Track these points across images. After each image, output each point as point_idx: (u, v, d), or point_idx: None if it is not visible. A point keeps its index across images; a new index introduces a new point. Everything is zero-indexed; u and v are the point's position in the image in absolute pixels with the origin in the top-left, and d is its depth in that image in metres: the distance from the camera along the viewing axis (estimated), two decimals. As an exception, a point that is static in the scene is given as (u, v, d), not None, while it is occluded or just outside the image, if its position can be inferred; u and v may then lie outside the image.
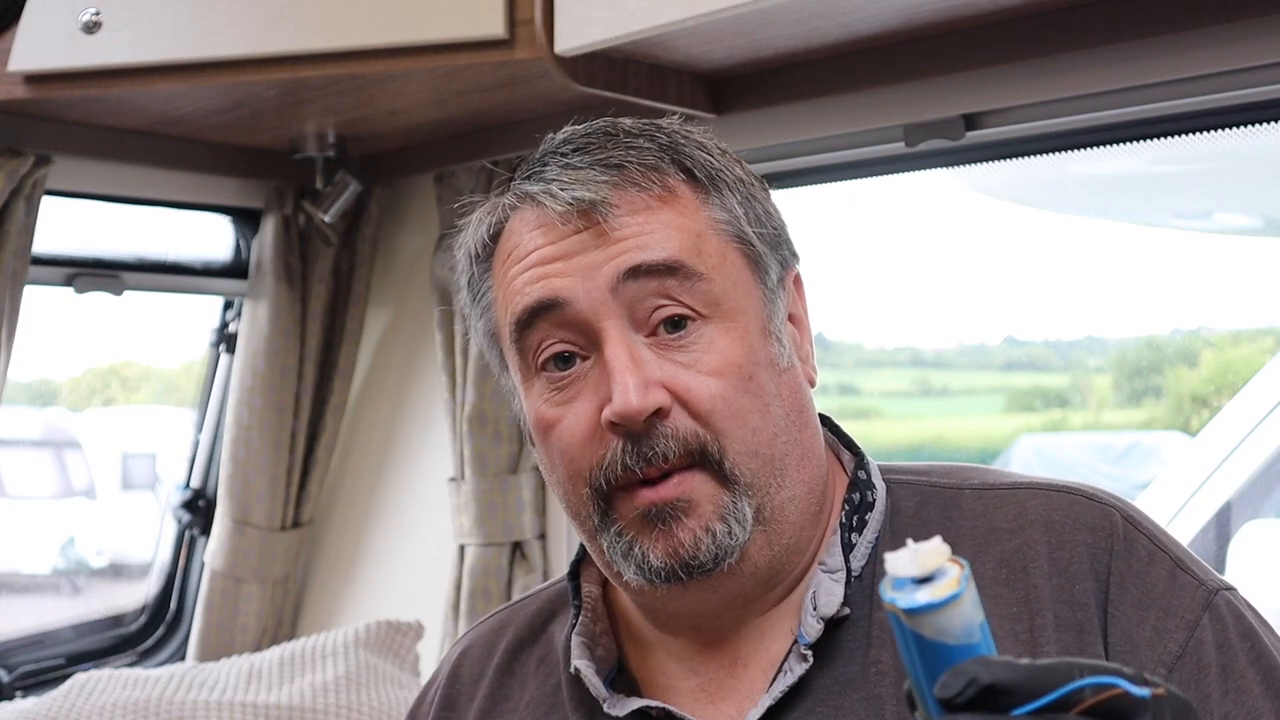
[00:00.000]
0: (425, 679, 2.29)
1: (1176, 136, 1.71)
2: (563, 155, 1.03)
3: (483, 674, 1.19)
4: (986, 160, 1.91)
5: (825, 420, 1.13)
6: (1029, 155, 1.85)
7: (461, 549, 2.33)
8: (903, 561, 0.68)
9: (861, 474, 1.09)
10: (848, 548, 1.04)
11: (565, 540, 2.34)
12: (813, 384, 1.09)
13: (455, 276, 1.14)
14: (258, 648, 2.50)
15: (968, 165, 1.95)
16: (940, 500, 1.07)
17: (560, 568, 2.31)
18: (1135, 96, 1.65)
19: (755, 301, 1.04)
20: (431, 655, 2.39)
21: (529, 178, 1.04)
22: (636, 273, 0.99)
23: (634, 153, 1.02)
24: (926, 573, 0.67)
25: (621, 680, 1.09)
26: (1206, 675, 0.94)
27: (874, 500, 1.07)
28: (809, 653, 0.99)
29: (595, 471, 1.00)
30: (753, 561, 1.01)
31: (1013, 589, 0.99)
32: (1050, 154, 1.83)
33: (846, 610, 1.01)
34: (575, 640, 1.09)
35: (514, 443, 2.31)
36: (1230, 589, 0.99)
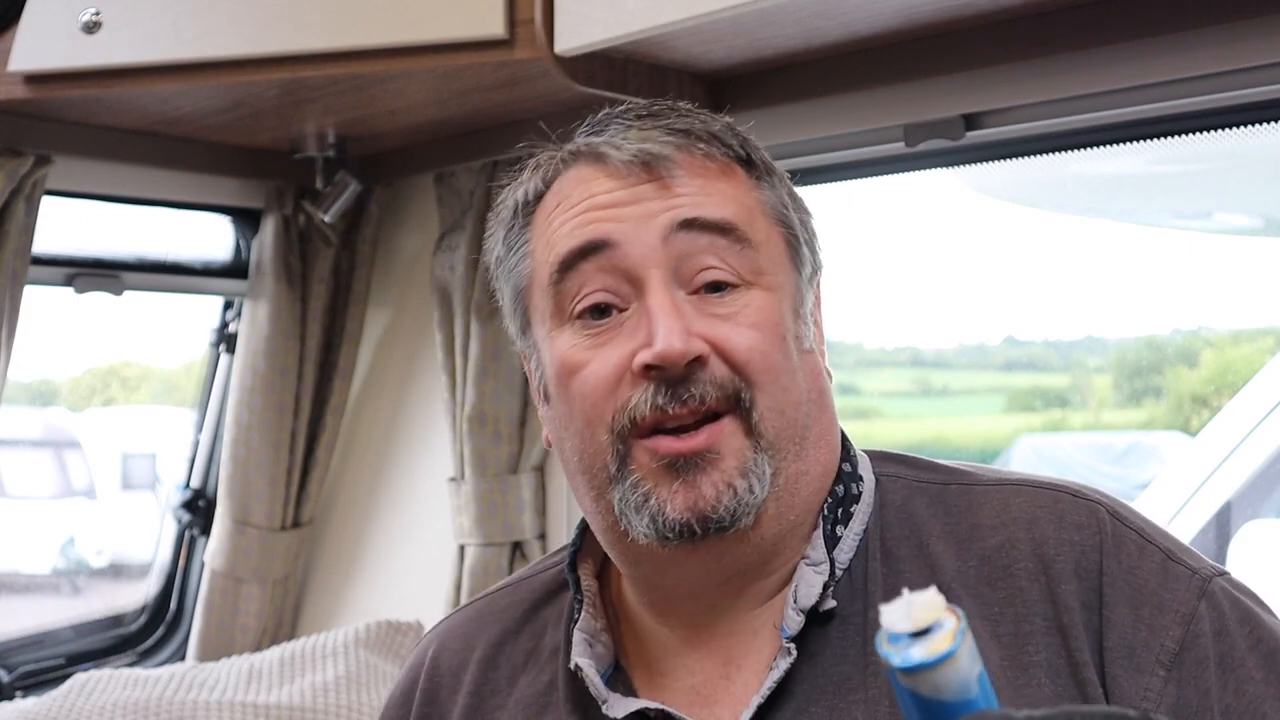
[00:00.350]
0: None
1: (1176, 136, 1.71)
2: (626, 119, 1.05)
3: (464, 665, 1.17)
4: (986, 160, 1.91)
5: None
6: (1029, 155, 1.85)
7: (461, 549, 2.34)
8: (896, 616, 0.67)
9: (846, 466, 1.08)
10: (831, 541, 1.03)
11: (565, 540, 2.33)
12: (830, 378, 1.10)
13: (489, 233, 1.13)
14: (258, 648, 2.50)
15: (968, 165, 1.95)
16: (927, 495, 1.07)
17: (560, 568, 2.31)
18: (1135, 96, 1.65)
19: (791, 283, 1.05)
20: (431, 655, 2.39)
21: (591, 134, 1.05)
22: (692, 225, 1.00)
23: (700, 123, 1.05)
24: (921, 627, 0.66)
25: (618, 678, 1.08)
26: (1205, 669, 0.93)
27: (859, 493, 1.07)
28: (791, 646, 0.99)
29: (618, 415, 0.99)
30: (761, 530, 1.00)
31: (994, 588, 0.99)
32: (1050, 154, 1.83)
33: (833, 603, 1.01)
34: (577, 636, 1.07)
35: (514, 443, 2.31)
36: (1224, 573, 0.99)
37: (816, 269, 1.10)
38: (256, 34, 1.78)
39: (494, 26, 1.70)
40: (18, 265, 2.06)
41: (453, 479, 2.35)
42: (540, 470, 2.33)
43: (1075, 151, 1.82)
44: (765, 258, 1.03)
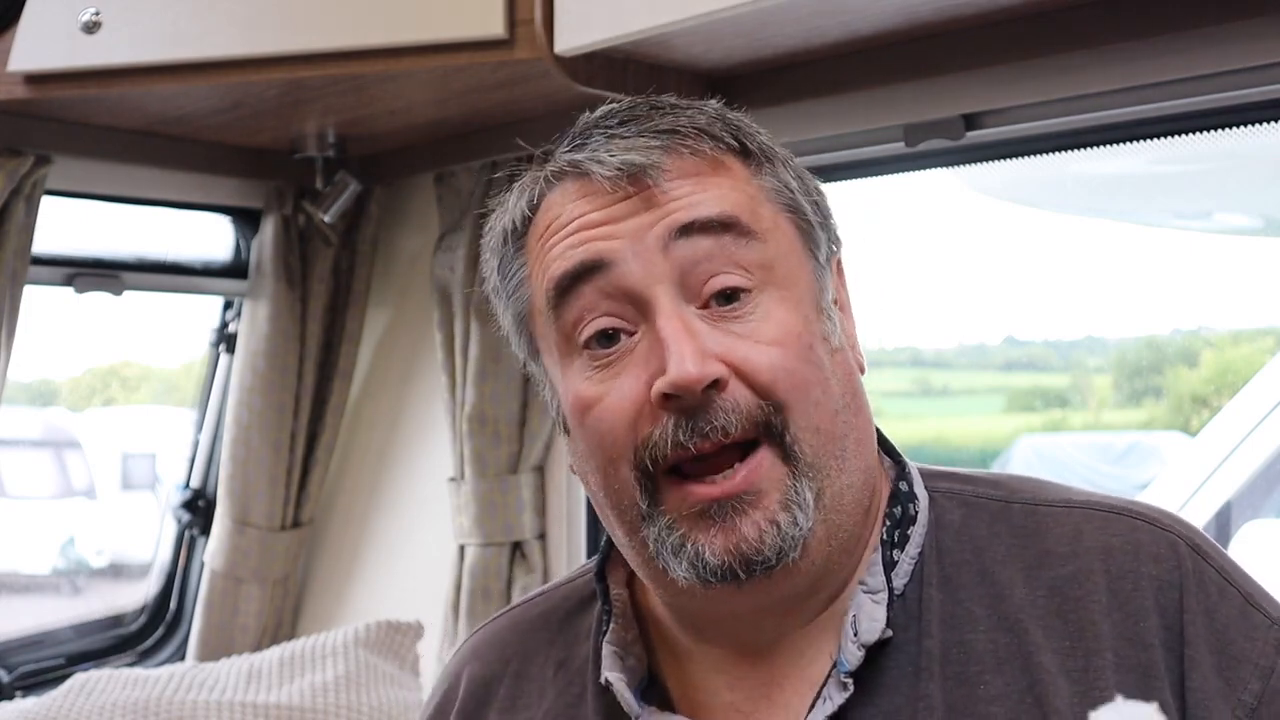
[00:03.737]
0: (425, 679, 2.31)
1: (1176, 136, 1.71)
2: (607, 127, 0.98)
3: (498, 678, 1.13)
4: (986, 160, 1.91)
5: None
6: (1029, 155, 1.85)
7: (461, 549, 2.33)
8: None
9: (903, 485, 1.02)
10: (889, 566, 0.98)
11: (565, 540, 2.34)
12: (862, 370, 1.03)
13: (484, 260, 1.07)
14: (258, 648, 2.50)
15: (968, 165, 1.95)
16: (987, 514, 1.00)
17: (560, 568, 2.31)
18: (1135, 96, 1.65)
19: (807, 274, 0.99)
20: (432, 655, 2.39)
21: (572, 149, 0.98)
22: (689, 230, 0.93)
23: (685, 119, 0.98)
24: None
25: (653, 692, 1.02)
26: None
27: (916, 514, 1.01)
28: (849, 681, 0.93)
29: (640, 451, 0.92)
30: (811, 558, 0.93)
31: (1065, 620, 0.93)
32: (1050, 154, 1.83)
33: (889, 633, 0.95)
34: (607, 649, 1.02)
35: (514, 443, 2.31)
36: None
37: (834, 249, 1.04)
38: (256, 34, 1.78)
39: (494, 26, 1.70)
40: (18, 265, 2.06)
41: (453, 479, 2.34)
42: (540, 470, 2.33)
43: (1075, 151, 1.81)
44: (775, 249, 0.96)
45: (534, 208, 1.00)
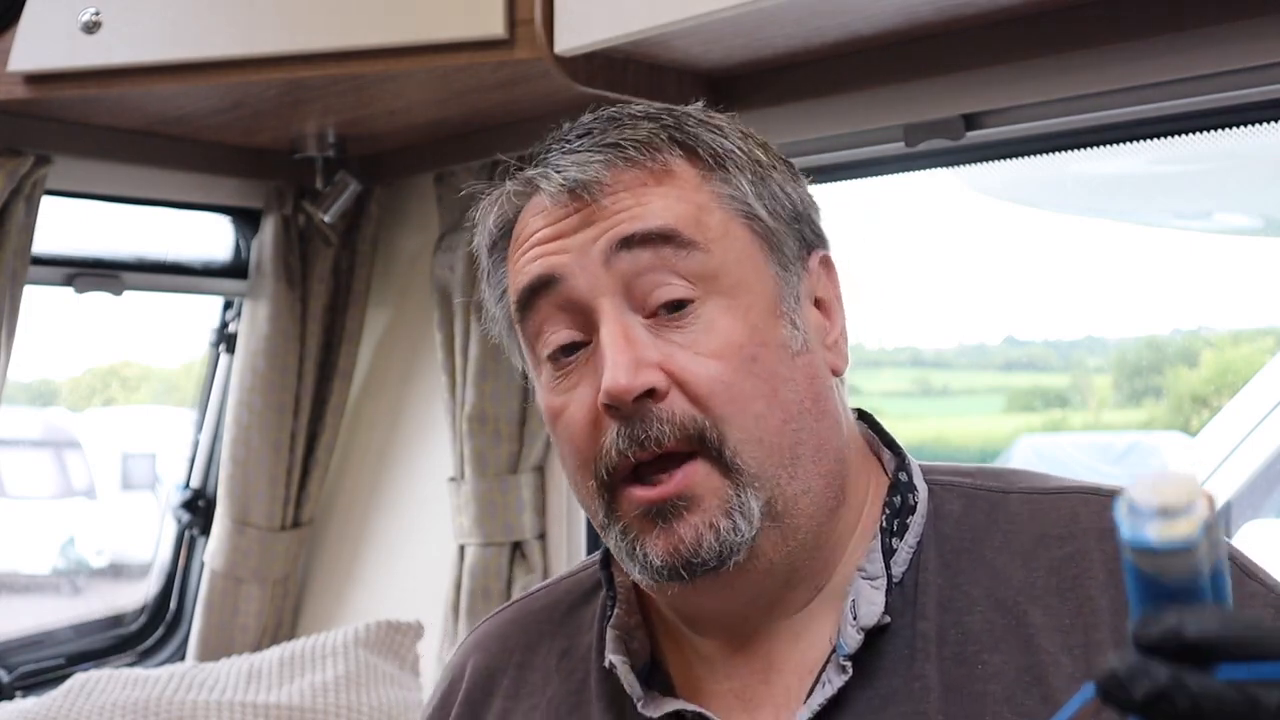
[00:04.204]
0: (425, 679, 2.31)
1: (1176, 136, 1.71)
2: (566, 141, 1.01)
3: (501, 668, 1.15)
4: (986, 160, 1.91)
5: (865, 416, 1.09)
6: (1029, 155, 1.85)
7: (461, 549, 2.33)
8: (1144, 487, 0.61)
9: (902, 475, 1.04)
10: (888, 553, 0.99)
11: (565, 540, 2.34)
12: (837, 372, 1.03)
13: (478, 271, 1.10)
14: (258, 648, 2.50)
15: (968, 165, 1.95)
16: (986, 504, 1.02)
17: (559, 568, 2.31)
18: (1135, 96, 1.65)
19: (764, 280, 0.99)
20: (432, 655, 2.39)
21: (535, 164, 1.02)
22: (630, 243, 0.95)
23: (631, 132, 0.99)
24: (1166, 505, 0.60)
25: (656, 677, 1.04)
26: None
27: (915, 503, 1.02)
28: (848, 664, 0.95)
29: (597, 462, 0.96)
30: (767, 559, 0.95)
31: (1064, 599, 0.94)
32: (1050, 154, 1.83)
33: (888, 619, 0.96)
34: (611, 634, 1.04)
35: (514, 443, 2.31)
36: None
37: (812, 247, 1.04)
38: (256, 34, 1.78)
39: (494, 26, 1.70)
40: (18, 265, 2.06)
41: (453, 479, 2.34)
42: (540, 470, 2.33)
43: (1075, 151, 1.81)
44: (721, 257, 0.96)
45: (507, 221, 1.04)
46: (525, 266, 1.00)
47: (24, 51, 1.84)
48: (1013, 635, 0.94)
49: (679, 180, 0.99)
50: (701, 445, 0.93)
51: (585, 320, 0.97)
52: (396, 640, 2.30)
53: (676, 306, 0.95)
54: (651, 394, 0.93)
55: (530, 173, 1.01)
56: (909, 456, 1.07)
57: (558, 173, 0.98)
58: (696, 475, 0.93)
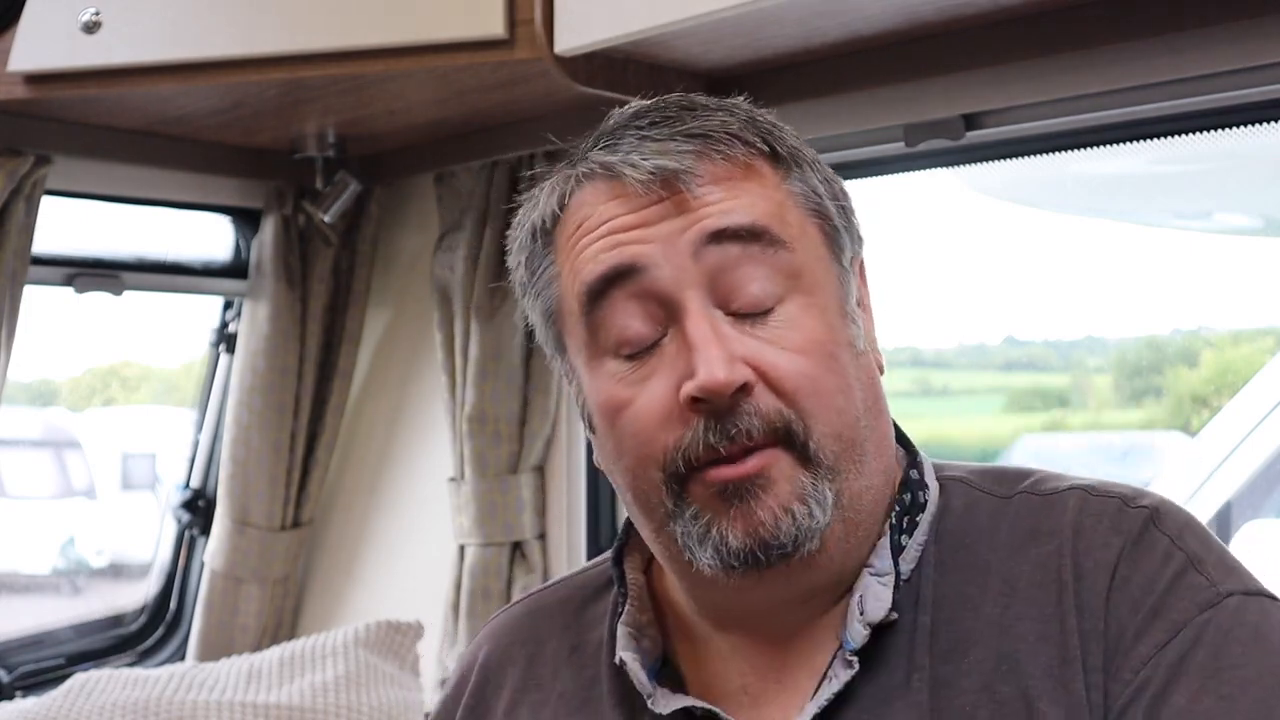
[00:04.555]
0: (425, 679, 2.31)
1: (1176, 136, 1.71)
2: (639, 128, 0.99)
3: (511, 661, 1.15)
4: (986, 160, 1.91)
5: None
6: (1029, 155, 1.85)
7: (461, 549, 2.33)
8: None
9: (914, 473, 1.05)
10: (896, 550, 1.00)
11: (565, 540, 2.34)
12: (881, 371, 1.05)
13: (510, 255, 1.07)
14: (258, 648, 2.50)
15: (968, 165, 1.95)
16: (990, 504, 1.03)
17: (560, 568, 2.31)
18: (1135, 96, 1.65)
19: (833, 279, 1.00)
20: (432, 655, 2.39)
21: (604, 149, 0.99)
22: (721, 237, 0.95)
23: (717, 123, 0.99)
24: None
25: (666, 674, 1.05)
26: (1176, 679, 0.86)
27: (925, 501, 1.03)
28: (854, 659, 0.95)
29: (671, 453, 0.94)
30: (829, 553, 0.96)
31: (1046, 592, 0.95)
32: (1050, 154, 1.83)
33: (894, 615, 0.97)
34: (622, 630, 1.04)
35: (514, 443, 2.31)
36: (1262, 594, 0.91)
37: (856, 251, 1.05)
38: (256, 34, 1.78)
39: (494, 26, 1.70)
40: (18, 265, 2.06)
41: (453, 479, 2.34)
42: (540, 470, 2.33)
43: (1075, 151, 1.82)
44: (802, 255, 0.98)
45: (563, 206, 1.01)
46: (599, 255, 0.97)
47: (24, 51, 1.84)
48: (995, 628, 0.95)
49: (762, 176, 0.99)
50: (787, 438, 0.94)
51: (663, 313, 0.96)
52: (396, 640, 2.30)
53: (757, 303, 0.95)
54: (742, 389, 0.93)
55: (606, 158, 0.98)
56: (921, 454, 1.08)
57: (644, 160, 0.96)
58: (775, 460, 0.93)
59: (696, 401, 0.93)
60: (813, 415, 0.94)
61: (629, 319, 0.97)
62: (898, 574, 0.99)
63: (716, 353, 0.92)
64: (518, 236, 1.06)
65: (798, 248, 0.98)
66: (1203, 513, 2.98)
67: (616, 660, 1.03)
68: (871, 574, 0.99)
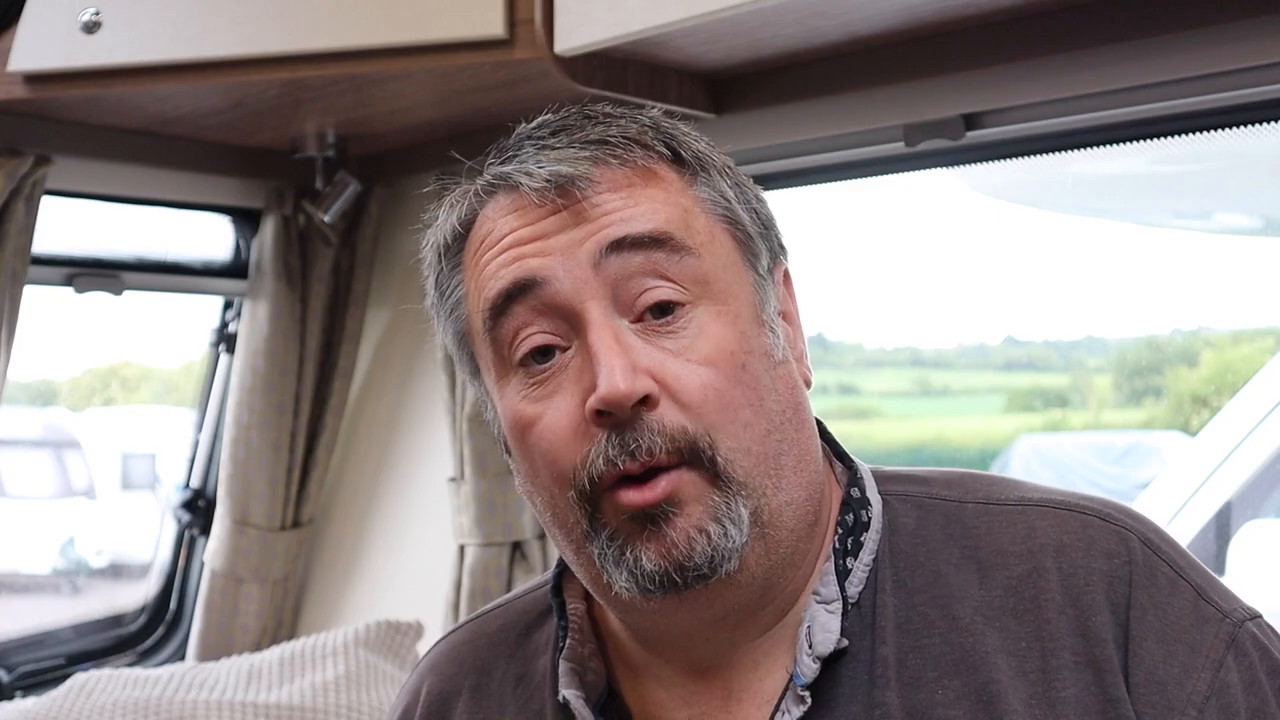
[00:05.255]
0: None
1: (1176, 136, 1.71)
2: (539, 138, 0.97)
3: (456, 693, 1.11)
4: (986, 160, 1.91)
5: (817, 425, 1.04)
6: (1029, 155, 1.85)
7: (461, 549, 2.33)
8: None
9: (854, 491, 1.01)
10: (842, 574, 0.97)
11: (565, 540, 2.33)
12: (808, 384, 1.01)
13: (422, 278, 1.05)
14: (258, 648, 2.50)
15: (968, 165, 1.95)
16: (941, 515, 0.99)
17: (560, 568, 2.31)
18: (1135, 96, 1.65)
19: (746, 286, 0.96)
20: (431, 655, 2.39)
21: (503, 161, 0.97)
22: (621, 246, 0.91)
23: (616, 129, 0.96)
24: None
25: (612, 707, 1.02)
26: (1235, 718, 0.88)
27: (869, 519, 0.99)
28: (807, 694, 0.92)
29: (579, 471, 0.91)
30: (750, 571, 0.92)
31: (1021, 620, 0.92)
32: (1050, 154, 1.83)
33: (845, 642, 0.94)
34: (564, 666, 1.01)
35: (514, 443, 2.30)
36: (1255, 618, 0.93)
37: (777, 258, 1.01)
38: (256, 34, 1.78)
39: (494, 26, 1.70)
40: (18, 265, 2.06)
41: (453, 479, 2.35)
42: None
43: (1075, 151, 1.81)
44: (710, 262, 0.94)
45: (466, 223, 1.00)
46: (500, 271, 0.95)
47: (24, 51, 1.84)
48: (969, 659, 0.92)
49: (664, 182, 0.96)
50: (693, 456, 0.90)
51: (566, 325, 0.93)
52: (396, 640, 2.30)
53: (664, 310, 0.92)
54: (645, 401, 0.89)
55: (503, 169, 0.96)
56: (861, 467, 1.04)
57: (539, 168, 0.94)
58: (684, 482, 0.90)
59: (600, 415, 0.89)
60: (719, 429, 0.90)
61: (533, 333, 0.94)
62: (844, 599, 0.96)
63: (618, 363, 0.89)
64: (426, 257, 1.04)
65: (705, 254, 0.94)
66: (1203, 513, 2.98)
67: (560, 698, 1.00)
68: (818, 601, 0.96)
